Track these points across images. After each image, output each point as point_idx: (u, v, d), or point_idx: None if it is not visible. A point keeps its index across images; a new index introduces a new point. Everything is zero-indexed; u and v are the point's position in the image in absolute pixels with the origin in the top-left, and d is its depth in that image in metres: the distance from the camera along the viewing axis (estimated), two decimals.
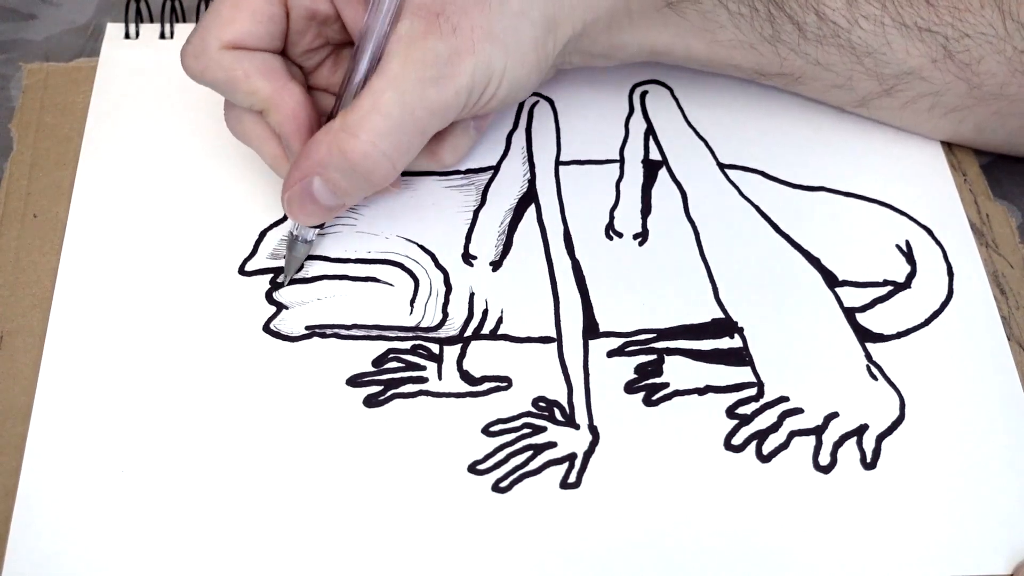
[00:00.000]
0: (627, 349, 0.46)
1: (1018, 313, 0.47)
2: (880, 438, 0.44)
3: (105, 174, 0.50)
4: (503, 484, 0.42)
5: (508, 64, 0.44)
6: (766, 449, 0.43)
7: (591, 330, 0.46)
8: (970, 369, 0.46)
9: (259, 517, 0.41)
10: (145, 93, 0.52)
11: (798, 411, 0.44)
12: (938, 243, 0.49)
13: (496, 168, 0.51)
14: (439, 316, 0.46)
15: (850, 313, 0.47)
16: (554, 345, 0.46)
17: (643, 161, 0.51)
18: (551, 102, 0.53)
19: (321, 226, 0.47)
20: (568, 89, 0.53)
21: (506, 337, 0.46)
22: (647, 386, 0.45)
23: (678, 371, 0.45)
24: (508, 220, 0.49)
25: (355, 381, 0.44)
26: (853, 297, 0.48)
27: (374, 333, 0.46)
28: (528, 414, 0.44)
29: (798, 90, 0.51)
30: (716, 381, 0.45)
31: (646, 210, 0.50)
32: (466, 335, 0.46)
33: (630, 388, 0.45)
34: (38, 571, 0.40)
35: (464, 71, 0.42)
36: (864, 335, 0.47)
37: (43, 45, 0.55)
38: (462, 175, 0.50)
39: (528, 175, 0.51)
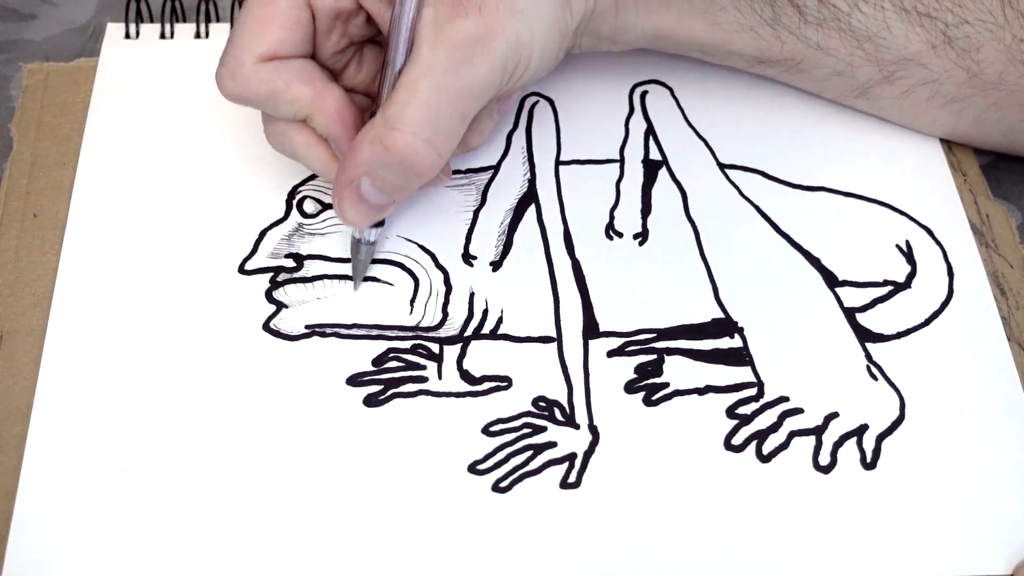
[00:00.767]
0: (627, 349, 0.46)
1: (1018, 313, 0.47)
2: (880, 438, 0.44)
3: (105, 174, 0.50)
4: (503, 484, 0.42)
5: (535, 37, 0.43)
6: (766, 449, 0.43)
7: (591, 330, 0.46)
8: (970, 369, 0.46)
9: (259, 517, 0.41)
10: (145, 93, 0.52)
11: (798, 411, 0.44)
12: (938, 243, 0.49)
13: (496, 168, 0.51)
14: (439, 316, 0.46)
15: (850, 313, 0.47)
16: (554, 345, 0.46)
17: (643, 161, 0.51)
18: (551, 102, 0.53)
19: (381, 223, 0.46)
20: (568, 89, 0.53)
21: (506, 337, 0.46)
22: (647, 386, 0.45)
23: (678, 371, 0.45)
24: (508, 220, 0.49)
25: (355, 380, 0.44)
26: (853, 297, 0.48)
27: (374, 332, 0.46)
28: (528, 414, 0.44)
29: (798, 80, 0.51)
30: (716, 381, 0.45)
31: (646, 210, 0.50)
32: (466, 335, 0.46)
33: (630, 388, 0.45)
34: (38, 571, 0.40)
35: (496, 48, 0.42)
36: (864, 335, 0.46)
37: (43, 45, 0.55)
38: (462, 175, 0.50)
39: (528, 175, 0.51)
